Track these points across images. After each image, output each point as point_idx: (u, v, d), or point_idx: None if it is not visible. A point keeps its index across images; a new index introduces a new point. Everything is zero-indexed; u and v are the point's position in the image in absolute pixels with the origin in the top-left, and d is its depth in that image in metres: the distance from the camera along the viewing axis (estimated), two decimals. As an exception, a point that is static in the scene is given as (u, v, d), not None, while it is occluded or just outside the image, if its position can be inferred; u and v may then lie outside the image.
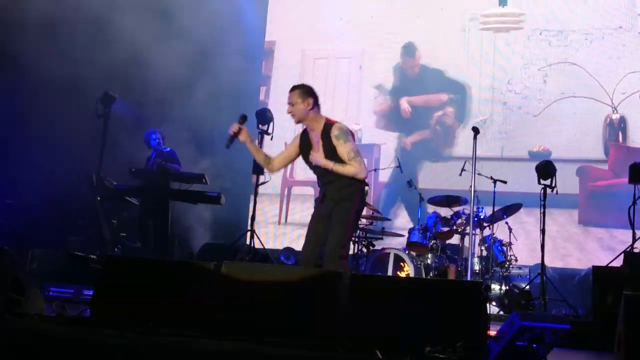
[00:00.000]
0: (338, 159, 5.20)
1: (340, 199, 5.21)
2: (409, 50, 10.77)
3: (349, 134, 5.29)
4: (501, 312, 7.54)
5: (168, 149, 8.74)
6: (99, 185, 8.17)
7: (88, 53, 9.35)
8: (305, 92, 5.33)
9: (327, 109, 11.06)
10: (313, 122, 5.35)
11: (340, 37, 11.32)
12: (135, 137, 9.04)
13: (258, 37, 11.46)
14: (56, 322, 4.28)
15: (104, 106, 8.17)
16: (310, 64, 11.59)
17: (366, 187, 5.37)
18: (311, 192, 10.72)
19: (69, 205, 8.87)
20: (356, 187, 5.23)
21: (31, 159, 9.27)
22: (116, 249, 8.47)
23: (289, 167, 11.01)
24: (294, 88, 5.39)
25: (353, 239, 8.37)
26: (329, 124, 5.32)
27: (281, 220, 10.96)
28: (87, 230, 8.31)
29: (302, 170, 11.01)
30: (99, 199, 8.18)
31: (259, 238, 8.41)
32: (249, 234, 8.26)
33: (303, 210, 10.99)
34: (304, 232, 10.41)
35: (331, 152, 5.22)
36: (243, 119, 5.44)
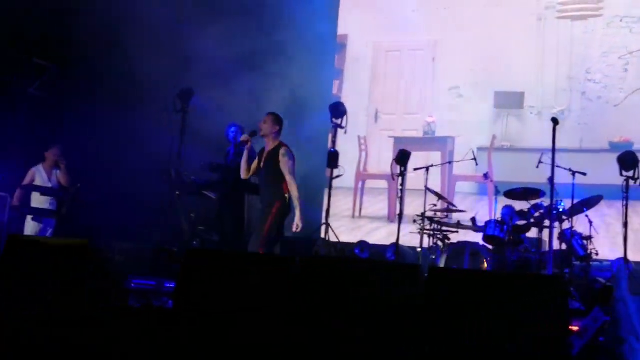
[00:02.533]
0: (278, 171, 6.86)
1: (269, 203, 6.89)
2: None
3: (290, 154, 6.96)
4: (582, 308, 7.36)
5: (247, 144, 8.87)
6: (177, 179, 8.35)
7: (169, 49, 9.60)
8: (275, 120, 7.09)
9: (400, 102, 11.27)
10: (270, 141, 7.03)
11: (413, 29, 11.23)
12: (214, 131, 9.21)
13: (330, 31, 11.48)
14: (140, 313, 4.42)
15: (182, 101, 8.32)
16: (382, 56, 11.57)
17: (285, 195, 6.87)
18: (384, 185, 10.69)
19: (150, 200, 9.10)
20: (281, 195, 6.89)
21: (114, 155, 9.58)
22: (195, 242, 8.65)
23: (363, 160, 11.02)
24: (270, 114, 7.16)
25: (429, 232, 8.43)
26: (279, 146, 6.97)
27: (355, 214, 10.98)
28: (167, 224, 8.50)
29: (375, 164, 11.01)
30: (177, 193, 8.35)
31: (333, 231, 8.45)
32: (324, 227, 8.31)
33: (377, 204, 10.99)
34: (378, 225, 10.66)
35: (274, 165, 6.88)
36: (253, 134, 7.12)
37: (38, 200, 8.70)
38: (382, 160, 10.80)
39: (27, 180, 8.78)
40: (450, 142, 10.55)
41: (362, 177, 11.07)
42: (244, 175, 7.22)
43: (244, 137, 7.10)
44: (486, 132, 10.54)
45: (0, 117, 9.05)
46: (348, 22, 11.67)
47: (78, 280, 4.76)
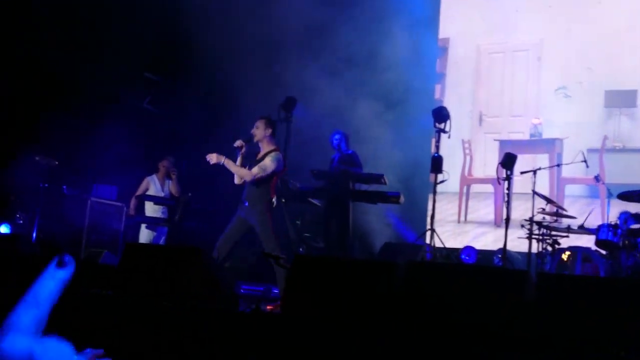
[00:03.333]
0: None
1: (259, 208, 6.80)
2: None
3: (278, 161, 6.86)
4: None
5: (350, 151, 8.96)
6: (283, 187, 8.51)
7: (270, 61, 9.82)
8: (267, 123, 7.01)
9: (505, 105, 11.05)
10: (265, 145, 6.97)
11: (517, 28, 11.00)
12: (318, 139, 9.35)
13: (431, 35, 11.40)
14: (251, 318, 4.54)
15: (286, 111, 8.48)
16: (485, 59, 11.37)
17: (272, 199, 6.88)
18: (490, 189, 10.50)
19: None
20: (268, 198, 6.85)
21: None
22: (301, 249, 8.80)
23: (467, 165, 10.87)
24: (261, 118, 7.04)
25: (537, 237, 8.22)
26: (273, 150, 6.92)
27: (460, 219, 10.83)
28: (274, 231, 8.65)
29: (480, 168, 10.84)
30: (283, 200, 8.51)
31: (439, 237, 8.37)
32: (429, 232, 8.26)
33: (483, 208, 10.79)
34: (484, 230, 10.49)
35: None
36: (248, 140, 6.95)
37: (151, 209, 9.09)
38: (487, 164, 10.61)
39: (141, 190, 9.20)
40: (558, 144, 10.23)
41: (467, 181, 10.90)
42: (237, 180, 7.07)
43: (237, 143, 6.99)
44: (596, 132, 10.15)
45: (115, 130, 9.50)
46: (449, 26, 11.55)
47: (190, 285, 4.94)
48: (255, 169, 6.80)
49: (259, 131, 6.99)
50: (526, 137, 10.61)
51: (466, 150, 10.90)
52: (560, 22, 10.66)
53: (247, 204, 6.88)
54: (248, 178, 6.80)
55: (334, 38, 10.16)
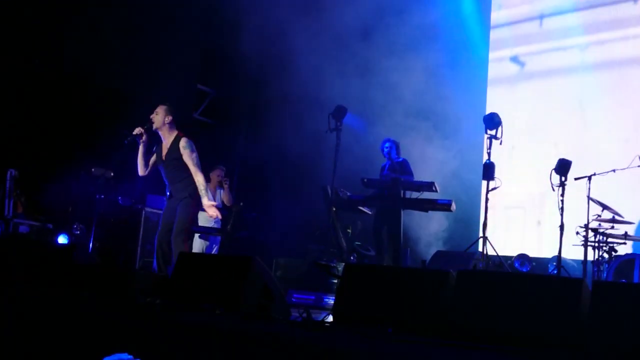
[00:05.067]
0: (182, 164, 6.65)
1: (184, 196, 6.66)
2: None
3: (194, 146, 6.72)
4: None
5: (401, 159, 8.94)
6: (333, 196, 8.53)
7: (323, 70, 9.90)
8: (168, 110, 6.76)
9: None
10: (166, 133, 6.77)
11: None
12: (368, 148, 9.35)
13: (483, 41, 11.35)
14: (302, 327, 4.54)
15: (335, 120, 8.51)
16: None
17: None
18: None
19: (308, 216, 9.37)
20: (194, 186, 6.69)
21: (273, 174, 9.96)
22: (352, 257, 8.79)
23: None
24: (162, 104, 6.80)
25: (593, 244, 8.08)
26: (178, 137, 6.72)
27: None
28: (324, 240, 8.71)
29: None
30: (334, 209, 8.54)
31: (491, 245, 8.28)
32: (481, 240, 8.16)
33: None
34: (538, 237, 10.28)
35: (178, 158, 6.65)
36: (148, 129, 6.74)
37: (204, 219, 9.19)
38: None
39: (193, 200, 9.33)
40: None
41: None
42: (141, 172, 6.88)
43: (137, 130, 6.68)
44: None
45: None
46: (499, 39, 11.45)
47: (243, 294, 4.98)
48: (193, 170, 6.67)
49: (159, 117, 6.76)
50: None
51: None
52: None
53: (177, 198, 6.77)
54: (201, 178, 6.68)
55: (384, 46, 10.17)
